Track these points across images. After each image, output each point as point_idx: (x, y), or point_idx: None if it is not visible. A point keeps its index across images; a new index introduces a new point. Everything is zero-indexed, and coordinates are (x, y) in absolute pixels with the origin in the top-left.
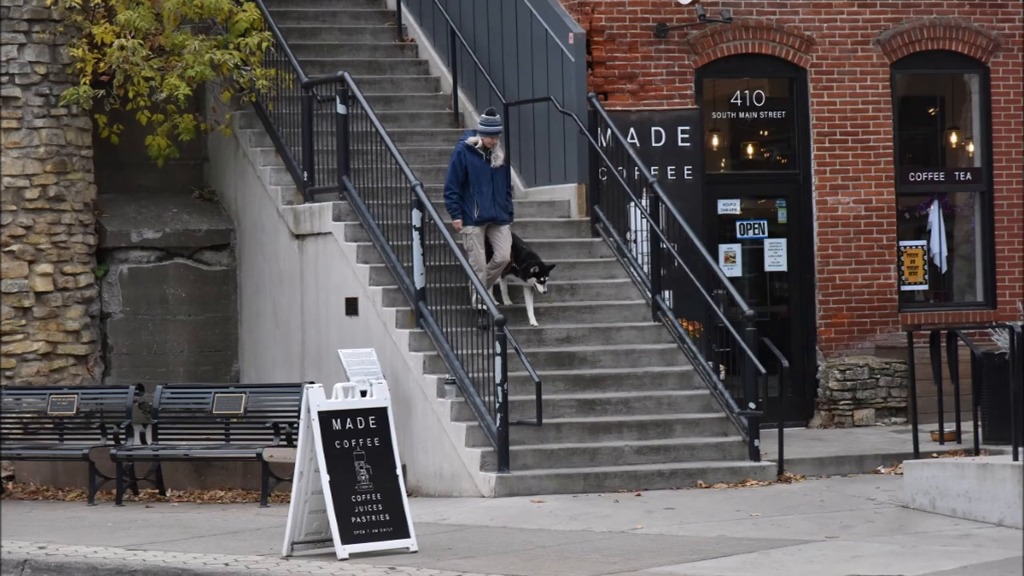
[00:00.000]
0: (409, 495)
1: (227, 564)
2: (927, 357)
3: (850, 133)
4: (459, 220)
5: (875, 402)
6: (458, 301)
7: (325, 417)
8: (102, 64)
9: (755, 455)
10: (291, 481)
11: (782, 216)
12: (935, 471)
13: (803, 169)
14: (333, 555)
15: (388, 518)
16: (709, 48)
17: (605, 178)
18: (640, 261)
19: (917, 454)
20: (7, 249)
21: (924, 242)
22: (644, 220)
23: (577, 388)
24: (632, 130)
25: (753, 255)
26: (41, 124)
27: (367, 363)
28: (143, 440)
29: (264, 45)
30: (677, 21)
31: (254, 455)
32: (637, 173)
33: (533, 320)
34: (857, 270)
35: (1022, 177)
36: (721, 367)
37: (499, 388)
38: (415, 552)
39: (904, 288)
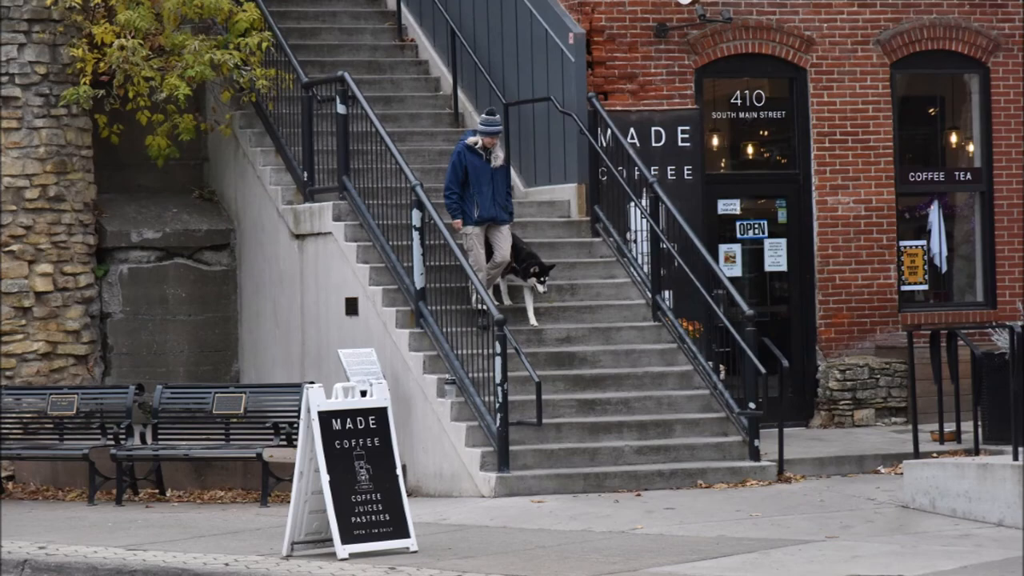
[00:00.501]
0: (409, 495)
1: (227, 564)
2: (927, 357)
3: (850, 133)
4: (459, 220)
5: (875, 402)
6: (458, 301)
7: (325, 417)
8: (102, 64)
9: (755, 455)
10: (291, 481)
11: (782, 216)
12: (935, 471)
13: (803, 169)
14: (333, 555)
15: (388, 518)
16: (709, 48)
17: (605, 178)
18: (640, 261)
19: (917, 454)
20: (7, 249)
21: (924, 242)
22: (644, 220)
23: (577, 388)
24: (632, 130)
25: (753, 255)
26: (41, 124)
27: (367, 363)
28: (143, 440)
29: (264, 45)
30: (677, 21)
31: (254, 455)
32: (637, 173)
33: (533, 320)
34: (857, 270)
35: (1022, 177)
36: (721, 367)
37: (499, 388)
38: (415, 552)
39: (904, 288)
